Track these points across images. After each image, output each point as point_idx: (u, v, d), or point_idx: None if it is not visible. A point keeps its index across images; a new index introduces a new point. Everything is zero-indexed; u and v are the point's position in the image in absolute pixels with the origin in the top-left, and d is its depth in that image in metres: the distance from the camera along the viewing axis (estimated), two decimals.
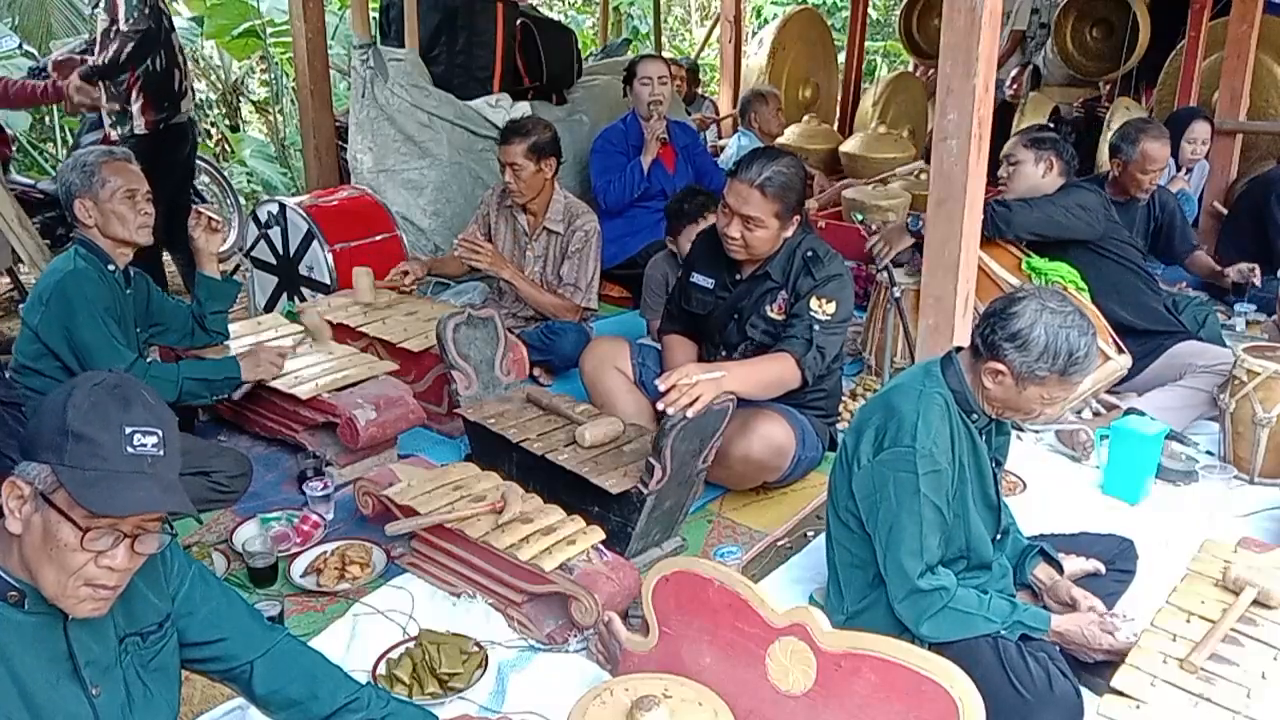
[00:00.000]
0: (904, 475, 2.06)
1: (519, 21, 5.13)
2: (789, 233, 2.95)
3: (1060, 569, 2.37)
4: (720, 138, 6.81)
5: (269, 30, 7.57)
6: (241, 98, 9.26)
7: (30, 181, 5.36)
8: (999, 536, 2.33)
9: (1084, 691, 2.07)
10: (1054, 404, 2.16)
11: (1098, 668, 2.16)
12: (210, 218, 3.21)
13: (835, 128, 7.18)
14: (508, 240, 4.07)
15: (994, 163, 3.29)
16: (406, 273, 3.92)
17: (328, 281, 4.15)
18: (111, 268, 2.87)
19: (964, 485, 2.15)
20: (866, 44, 8.65)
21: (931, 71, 7.29)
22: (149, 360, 3.06)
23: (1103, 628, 2.14)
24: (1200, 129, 5.02)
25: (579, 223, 3.94)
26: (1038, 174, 3.64)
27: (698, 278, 3.15)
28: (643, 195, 4.75)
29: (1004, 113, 6.31)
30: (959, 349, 2.25)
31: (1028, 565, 2.37)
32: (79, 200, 2.80)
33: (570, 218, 3.95)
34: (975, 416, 2.17)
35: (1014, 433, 2.69)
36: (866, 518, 2.15)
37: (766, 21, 10.92)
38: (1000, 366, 2.08)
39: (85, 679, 1.44)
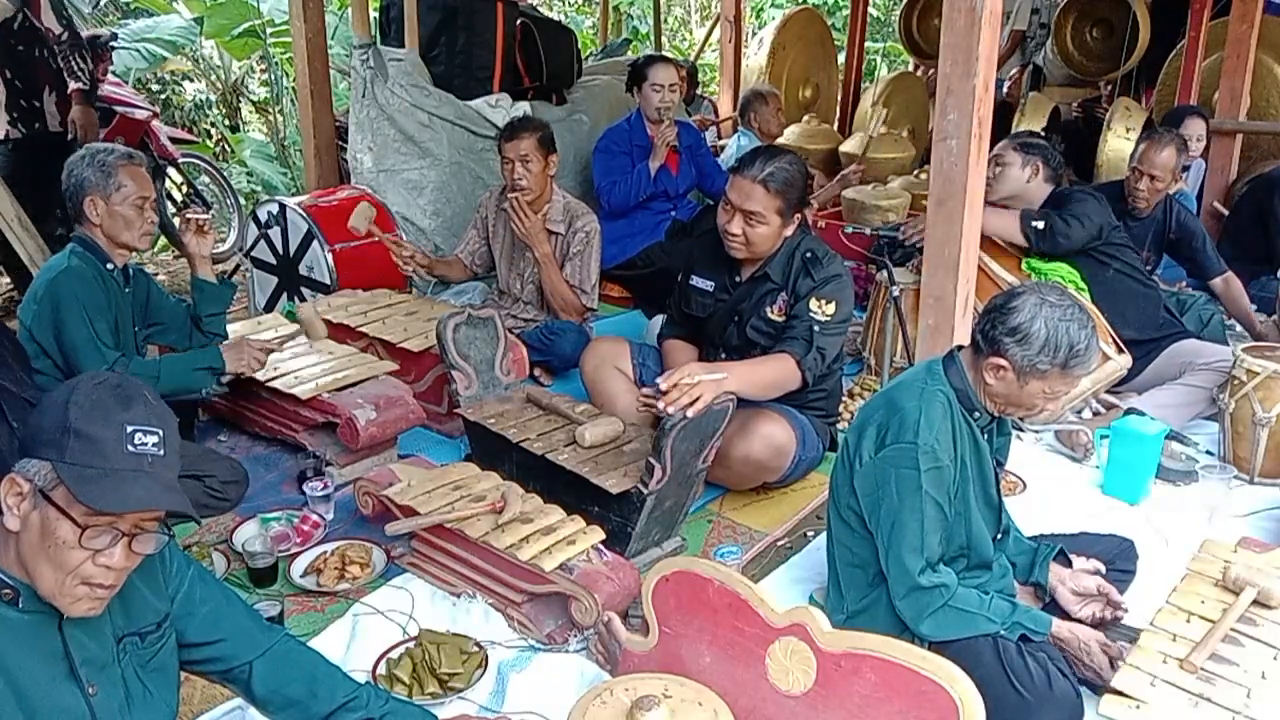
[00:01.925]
0: (906, 472, 2.05)
1: (519, 21, 5.13)
2: (789, 231, 2.95)
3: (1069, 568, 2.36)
4: (720, 139, 6.80)
5: (269, 30, 7.57)
6: (241, 98, 9.26)
7: None
8: (999, 536, 2.33)
9: (1084, 691, 2.07)
10: (1055, 399, 2.16)
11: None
12: (197, 221, 3.14)
13: (835, 128, 7.17)
14: (507, 242, 4.06)
15: None
16: (404, 248, 3.83)
17: (328, 281, 4.15)
18: (110, 266, 2.86)
19: (965, 483, 2.15)
20: (866, 44, 8.65)
21: (932, 71, 7.29)
22: (144, 357, 3.04)
23: (1106, 651, 2.13)
24: (1194, 126, 4.98)
25: (579, 224, 3.93)
26: (1023, 178, 3.65)
27: (697, 280, 3.15)
28: (646, 197, 4.75)
29: (1004, 113, 6.31)
30: (960, 347, 2.25)
31: (1045, 565, 2.34)
32: (90, 197, 2.78)
33: (570, 218, 3.94)
34: (977, 415, 2.17)
35: (1014, 433, 2.69)
36: (868, 515, 2.15)
37: (766, 22, 10.91)
38: (1001, 361, 2.08)
39: (82, 678, 1.43)
